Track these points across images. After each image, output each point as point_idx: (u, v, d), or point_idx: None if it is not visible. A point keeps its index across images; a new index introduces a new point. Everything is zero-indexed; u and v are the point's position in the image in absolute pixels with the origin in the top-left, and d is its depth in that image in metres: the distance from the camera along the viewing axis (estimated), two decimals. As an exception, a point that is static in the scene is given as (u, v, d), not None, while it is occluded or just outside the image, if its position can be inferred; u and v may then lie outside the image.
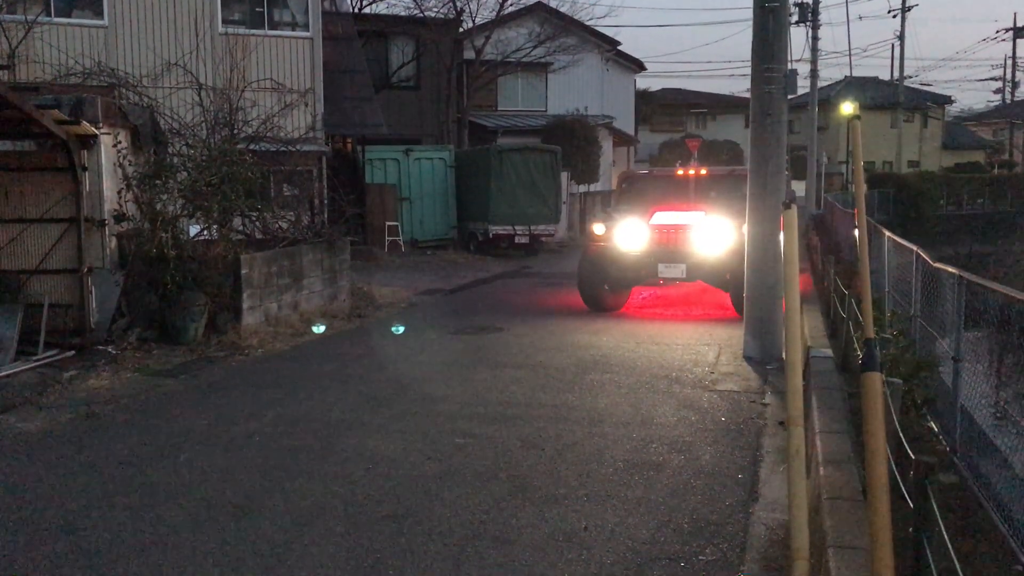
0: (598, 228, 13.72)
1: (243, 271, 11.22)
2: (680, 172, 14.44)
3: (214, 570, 4.66)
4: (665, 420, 7.49)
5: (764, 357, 9.75)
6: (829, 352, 8.46)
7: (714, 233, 12.65)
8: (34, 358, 9.36)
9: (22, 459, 6.52)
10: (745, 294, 10.20)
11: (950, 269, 6.30)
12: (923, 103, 53.04)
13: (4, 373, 8.84)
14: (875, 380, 3.72)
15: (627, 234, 13.18)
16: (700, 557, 4.78)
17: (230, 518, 5.36)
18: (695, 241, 12.74)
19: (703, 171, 14.31)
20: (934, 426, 6.46)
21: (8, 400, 8.11)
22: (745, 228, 11.50)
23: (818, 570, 4.18)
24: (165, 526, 5.24)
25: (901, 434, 4.89)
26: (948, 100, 59.76)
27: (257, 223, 13.14)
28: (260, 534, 5.12)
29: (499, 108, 31.50)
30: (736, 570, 4.61)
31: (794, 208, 5.09)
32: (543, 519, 5.31)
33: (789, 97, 9.92)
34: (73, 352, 9.71)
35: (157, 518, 5.37)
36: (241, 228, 12.73)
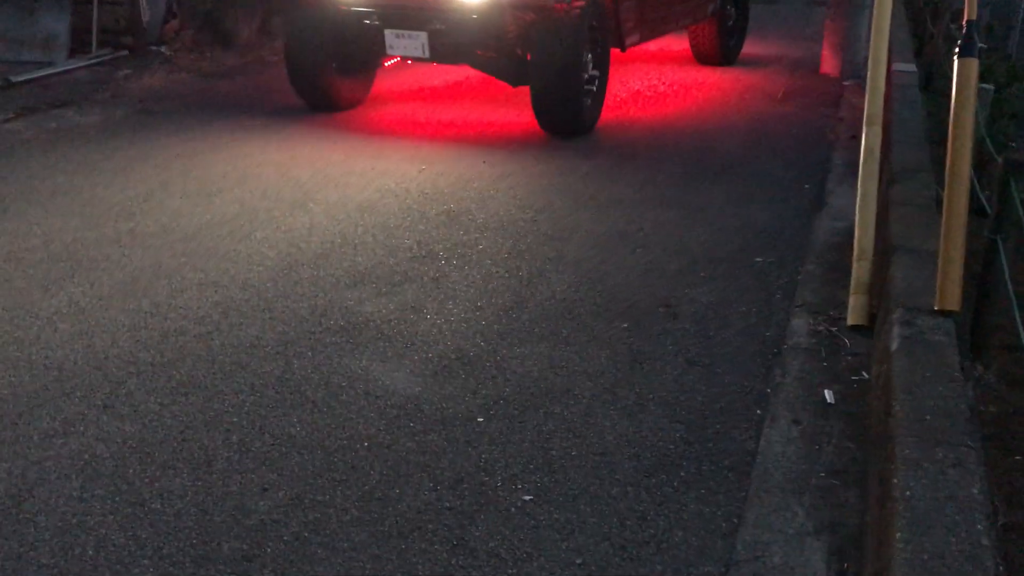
0: None
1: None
2: None
3: (263, 247, 4.72)
4: (732, 131, 7.20)
5: (842, 73, 9.18)
6: (914, 67, 7.92)
7: None
8: (88, 56, 9.23)
9: (81, 149, 6.54)
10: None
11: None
12: None
13: (61, 69, 8.78)
14: (971, 66, 3.38)
15: None
16: (757, 258, 4.68)
17: (287, 209, 5.36)
18: None
19: None
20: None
21: (66, 95, 8.09)
22: None
23: (879, 272, 4.05)
24: (219, 212, 5.28)
25: (988, 141, 4.57)
26: None
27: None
28: (315, 222, 5.13)
29: None
30: (794, 271, 4.52)
31: None
32: (599, 221, 5.22)
33: None
34: (126, 52, 9.54)
35: (213, 204, 5.40)
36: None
